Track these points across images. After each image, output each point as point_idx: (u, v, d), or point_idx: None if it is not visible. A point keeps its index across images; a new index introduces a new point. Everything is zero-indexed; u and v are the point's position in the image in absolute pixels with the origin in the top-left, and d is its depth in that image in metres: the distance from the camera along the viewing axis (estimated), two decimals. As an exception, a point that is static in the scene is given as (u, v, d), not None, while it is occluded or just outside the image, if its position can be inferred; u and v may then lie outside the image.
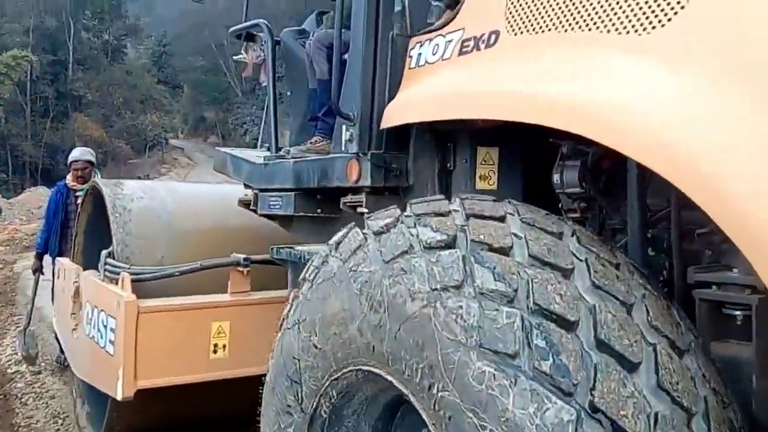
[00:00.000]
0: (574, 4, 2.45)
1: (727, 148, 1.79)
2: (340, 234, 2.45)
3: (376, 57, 3.41)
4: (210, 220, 5.15)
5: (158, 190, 5.29)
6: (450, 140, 3.32)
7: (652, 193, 2.42)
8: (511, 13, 2.82)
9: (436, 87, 3.12)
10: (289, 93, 4.86)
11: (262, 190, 4.37)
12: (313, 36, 4.26)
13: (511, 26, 2.82)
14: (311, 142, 4.17)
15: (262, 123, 5.19)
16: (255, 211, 4.55)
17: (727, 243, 1.84)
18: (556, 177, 2.71)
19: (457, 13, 3.15)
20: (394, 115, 3.30)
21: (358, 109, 3.43)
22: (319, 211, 4.05)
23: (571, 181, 2.66)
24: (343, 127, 3.58)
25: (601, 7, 2.34)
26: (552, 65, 2.44)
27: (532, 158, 3.18)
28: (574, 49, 2.42)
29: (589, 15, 2.38)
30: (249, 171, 4.48)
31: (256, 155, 4.65)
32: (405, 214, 2.26)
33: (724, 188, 1.75)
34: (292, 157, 4.12)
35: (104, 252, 4.93)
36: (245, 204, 4.67)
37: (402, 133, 3.43)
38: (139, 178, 29.81)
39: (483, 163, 3.23)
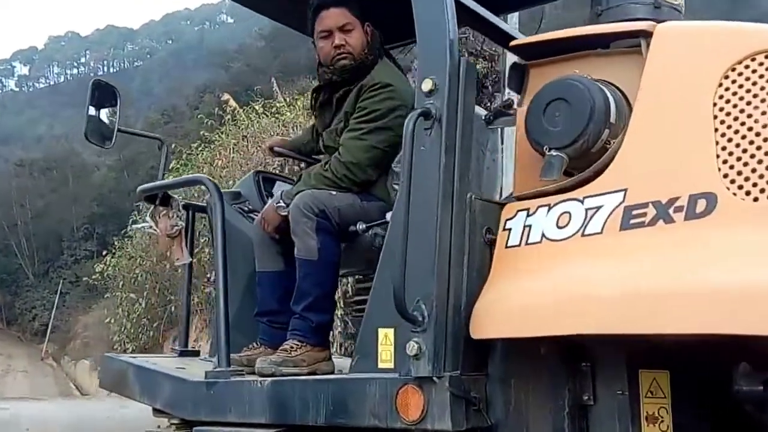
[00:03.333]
0: None
1: None
2: None
3: (450, 230, 2.13)
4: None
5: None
6: (583, 356, 2.05)
7: None
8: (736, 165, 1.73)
9: (581, 280, 1.90)
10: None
11: (199, 424, 2.75)
12: (279, 198, 2.92)
13: (741, 185, 1.73)
14: (284, 349, 2.71)
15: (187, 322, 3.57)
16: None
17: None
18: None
19: (604, 166, 1.99)
20: (500, 323, 2.01)
21: (430, 309, 2.08)
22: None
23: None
24: (384, 334, 2.22)
25: None
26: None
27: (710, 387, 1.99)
28: None
29: None
30: (174, 392, 2.85)
31: (177, 366, 3.04)
32: None
33: None
34: (261, 374, 2.62)
35: None
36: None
37: (479, 341, 2.14)
38: None
39: (649, 396, 1.98)
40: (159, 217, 3.35)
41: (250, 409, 2.56)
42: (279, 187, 3.53)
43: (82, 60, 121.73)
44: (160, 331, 14.43)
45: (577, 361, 2.05)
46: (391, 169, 2.82)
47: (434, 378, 2.05)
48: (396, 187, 2.80)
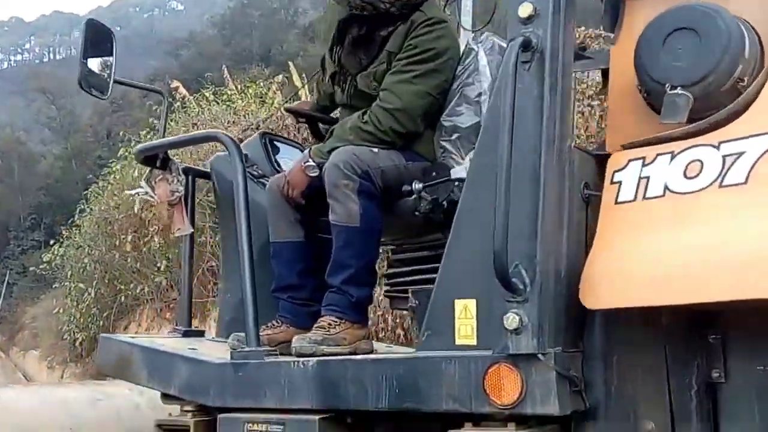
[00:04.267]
0: None
1: None
2: None
3: (543, 186, 1.79)
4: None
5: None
6: (713, 326, 1.73)
7: None
8: None
9: (719, 238, 1.59)
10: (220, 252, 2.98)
11: (225, 411, 2.34)
12: (308, 156, 2.53)
13: None
14: (321, 327, 2.33)
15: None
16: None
17: None
18: None
19: (743, 107, 1.68)
20: (622, 291, 1.67)
21: (532, 275, 1.73)
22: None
23: None
24: (463, 306, 1.86)
25: None
26: None
27: None
28: None
29: None
30: (193, 376, 2.42)
31: (188, 347, 2.61)
32: None
33: None
34: (299, 354, 2.24)
35: None
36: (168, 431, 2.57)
37: (577, 312, 1.81)
38: None
39: (795, 372, 1.67)
40: (156, 182, 2.92)
41: (290, 393, 2.17)
42: (287, 152, 3.13)
43: (27, 46, 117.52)
44: (111, 320, 13.73)
45: (705, 333, 1.73)
46: (440, 122, 2.46)
47: (539, 355, 1.71)
48: (445, 143, 2.45)
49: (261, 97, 12.81)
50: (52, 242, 16.15)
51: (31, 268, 20.32)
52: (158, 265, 11.78)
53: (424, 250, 2.52)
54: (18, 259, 25.65)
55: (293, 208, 2.59)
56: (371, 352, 2.44)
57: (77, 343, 14.60)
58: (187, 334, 2.86)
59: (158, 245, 11.60)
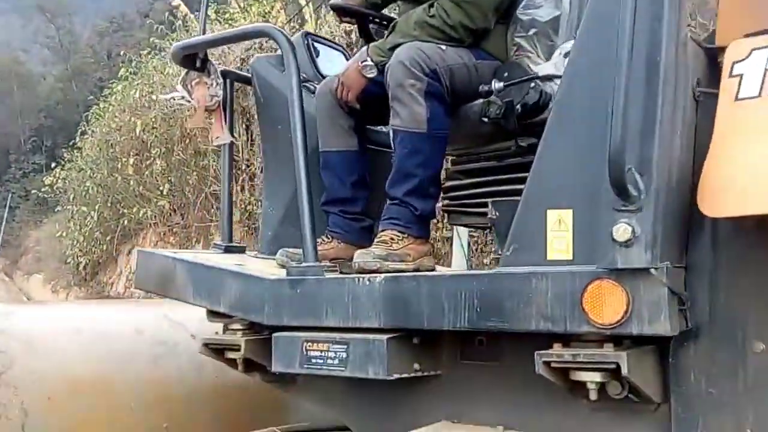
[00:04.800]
0: None
1: None
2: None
3: (662, 81, 1.58)
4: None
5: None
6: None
7: None
8: None
9: None
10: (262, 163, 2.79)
11: (280, 329, 2.17)
12: (366, 55, 2.30)
13: None
14: (382, 241, 2.15)
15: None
16: (237, 366, 2.35)
17: None
18: None
19: None
20: (754, 197, 1.48)
21: (648, 181, 1.54)
22: (417, 368, 2.02)
23: None
24: (557, 217, 1.68)
25: None
26: None
27: None
28: None
29: None
30: (245, 292, 2.25)
31: (236, 263, 2.43)
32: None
33: None
34: (363, 269, 2.06)
35: None
36: (215, 351, 2.40)
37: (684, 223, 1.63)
38: None
39: None
40: (193, 86, 2.69)
41: (355, 311, 2.00)
42: (327, 56, 2.89)
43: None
44: (114, 244, 13.63)
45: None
46: (515, 16, 2.23)
47: (651, 270, 1.53)
48: (519, 40, 2.22)
49: (264, 16, 12.34)
50: (53, 165, 15.91)
51: (33, 192, 20.10)
52: (161, 188, 11.56)
53: (489, 160, 2.31)
54: (19, 183, 25.23)
55: (347, 114, 2.39)
56: (434, 269, 2.28)
57: (80, 267, 14.54)
58: (228, 249, 2.68)
59: (160, 168, 11.37)
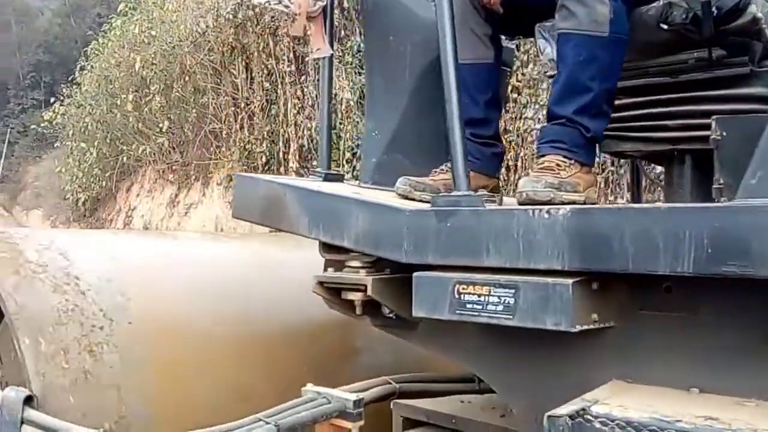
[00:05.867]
0: None
1: None
2: None
3: None
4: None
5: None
6: None
7: None
8: None
9: None
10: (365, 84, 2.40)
11: (422, 268, 1.80)
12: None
13: None
14: (547, 168, 1.78)
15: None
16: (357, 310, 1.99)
17: None
18: None
19: None
20: None
21: None
22: (595, 318, 1.66)
23: None
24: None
25: None
26: None
27: None
28: None
29: None
30: (378, 225, 1.85)
31: (352, 191, 2.04)
32: None
33: None
34: (532, 200, 1.69)
35: None
36: (330, 291, 2.03)
37: None
38: None
39: None
40: (293, -7, 2.26)
41: (528, 249, 1.63)
42: None
43: None
44: (113, 181, 13.16)
45: None
46: None
47: None
48: None
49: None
50: (52, 101, 15.26)
51: (31, 127, 19.36)
52: (160, 125, 11.12)
53: (658, 75, 1.93)
54: (18, 118, 24.35)
55: (483, 21, 2.00)
56: (596, 203, 1.91)
57: (80, 203, 14.10)
58: (328, 177, 2.29)
59: (159, 105, 10.90)
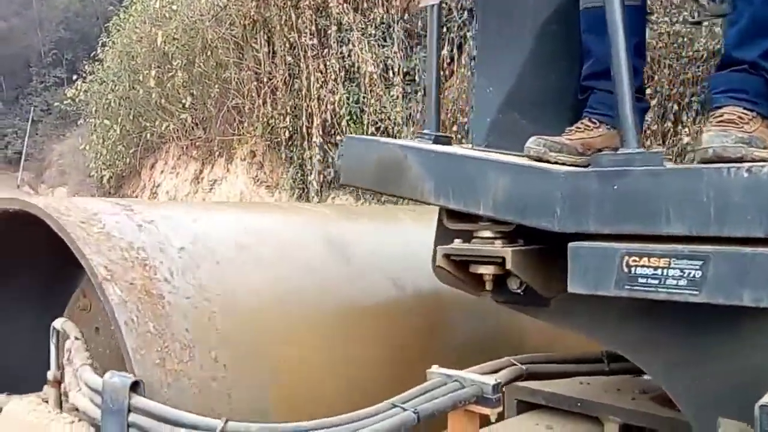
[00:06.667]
0: None
1: None
2: None
3: None
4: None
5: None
6: None
7: None
8: None
9: None
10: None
11: (579, 237, 1.55)
12: None
13: None
14: (728, 121, 1.53)
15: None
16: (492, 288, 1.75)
17: None
18: None
19: None
20: None
21: None
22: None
23: None
24: None
25: None
26: None
27: None
28: None
29: None
30: (523, 189, 1.61)
31: (471, 153, 1.79)
32: None
33: None
34: (720, 157, 1.43)
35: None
36: (457, 264, 1.78)
37: None
38: None
39: None
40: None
41: (722, 215, 1.37)
42: None
43: None
44: (137, 158, 12.93)
45: None
46: None
47: None
48: None
49: None
50: (74, 78, 14.97)
51: (55, 105, 19.03)
52: (183, 101, 10.84)
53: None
54: (41, 96, 23.96)
55: None
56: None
57: (104, 180, 13.86)
58: (437, 140, 2.03)
59: (182, 81, 10.60)
